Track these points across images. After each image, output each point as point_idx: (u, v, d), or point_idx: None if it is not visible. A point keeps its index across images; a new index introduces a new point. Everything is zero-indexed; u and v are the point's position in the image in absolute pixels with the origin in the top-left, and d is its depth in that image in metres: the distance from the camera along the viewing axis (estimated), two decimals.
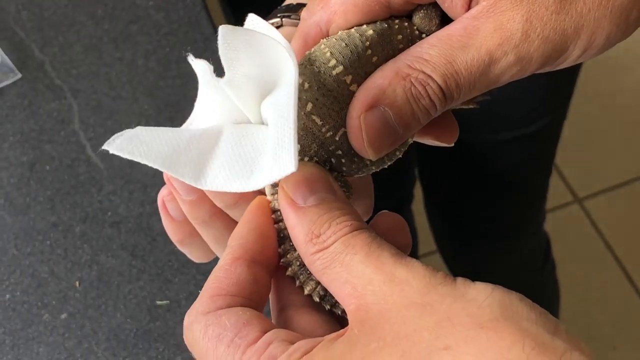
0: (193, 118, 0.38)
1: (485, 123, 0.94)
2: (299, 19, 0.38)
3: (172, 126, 0.34)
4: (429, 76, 0.32)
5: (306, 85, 0.33)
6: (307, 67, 0.34)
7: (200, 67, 0.35)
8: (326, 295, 0.33)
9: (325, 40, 0.35)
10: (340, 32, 0.35)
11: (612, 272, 1.61)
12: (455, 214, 1.17)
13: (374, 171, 0.36)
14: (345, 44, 0.34)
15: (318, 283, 0.33)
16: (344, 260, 0.29)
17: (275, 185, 0.34)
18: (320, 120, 0.33)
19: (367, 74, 0.34)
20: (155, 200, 0.71)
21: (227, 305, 0.31)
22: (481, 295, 0.27)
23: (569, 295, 1.41)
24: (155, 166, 0.32)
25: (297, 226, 0.31)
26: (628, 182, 1.72)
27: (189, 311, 0.31)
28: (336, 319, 0.33)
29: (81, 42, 0.82)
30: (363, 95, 0.33)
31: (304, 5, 0.46)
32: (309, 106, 0.33)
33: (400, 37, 0.35)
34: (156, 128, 0.33)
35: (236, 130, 0.34)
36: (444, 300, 0.27)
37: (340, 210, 0.31)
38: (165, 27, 0.83)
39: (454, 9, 0.34)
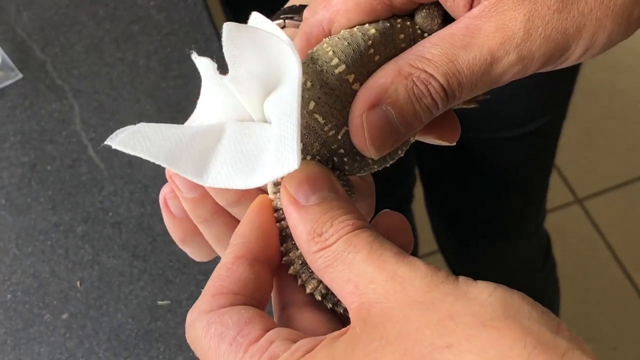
0: (196, 115, 0.38)
1: (484, 122, 0.94)
2: (302, 21, 0.38)
3: None
4: (431, 75, 0.32)
5: (309, 83, 0.33)
6: (310, 65, 0.34)
7: (203, 64, 0.35)
8: (328, 293, 0.33)
9: (327, 39, 0.35)
10: (342, 31, 0.35)
11: (613, 273, 1.61)
12: (455, 213, 1.17)
13: (376, 170, 0.36)
14: (348, 42, 0.34)
15: (320, 282, 0.33)
16: (345, 259, 0.29)
17: (277, 184, 0.34)
18: (323, 119, 0.33)
19: (370, 73, 0.34)
20: (156, 201, 0.72)
21: (229, 303, 0.31)
22: (483, 294, 0.27)
23: (569, 296, 1.41)
24: (157, 162, 0.32)
25: (299, 225, 0.31)
26: (628, 182, 1.72)
27: (191, 309, 0.31)
28: (338, 318, 0.33)
29: (82, 42, 0.82)
30: (365, 94, 0.33)
31: (306, 6, 0.46)
32: (312, 105, 0.33)
33: (402, 36, 0.35)
34: (159, 124, 0.33)
35: (239, 127, 0.34)
36: (446, 298, 0.27)
37: (342, 209, 0.31)
38: (167, 28, 0.83)
39: (456, 8, 0.34)
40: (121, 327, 0.66)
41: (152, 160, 0.32)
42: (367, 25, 0.35)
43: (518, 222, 1.13)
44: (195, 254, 0.43)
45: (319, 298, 0.33)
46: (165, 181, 0.40)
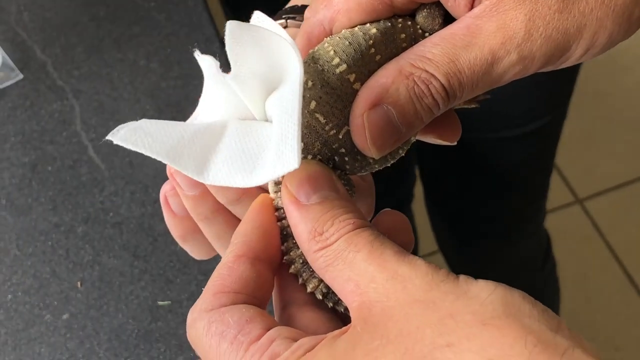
0: (198, 113, 0.38)
1: (485, 122, 0.94)
2: (303, 21, 0.38)
3: None
4: (432, 75, 0.32)
5: (310, 83, 0.33)
6: (311, 65, 0.34)
7: (206, 62, 0.35)
8: (329, 292, 0.33)
9: (328, 38, 0.35)
10: (343, 30, 0.35)
11: (613, 273, 1.61)
12: (456, 212, 1.17)
13: (376, 169, 0.36)
14: (349, 42, 0.34)
15: (321, 281, 0.33)
16: (346, 258, 0.30)
17: (278, 183, 0.34)
18: (324, 119, 0.33)
19: (371, 73, 0.34)
20: (157, 201, 0.72)
21: (230, 302, 0.31)
22: (483, 293, 0.27)
23: (570, 296, 1.42)
24: (158, 158, 0.32)
25: (300, 224, 0.31)
26: (629, 182, 1.72)
27: (192, 308, 0.31)
28: (339, 317, 0.34)
29: (83, 43, 0.82)
30: (366, 94, 0.33)
31: (308, 6, 0.46)
32: (313, 104, 0.33)
33: (403, 35, 0.35)
34: (161, 121, 0.33)
35: (240, 125, 0.34)
36: (447, 297, 0.27)
37: (343, 208, 0.31)
38: (167, 28, 0.83)
39: (457, 8, 0.34)
40: (122, 327, 0.66)
41: (153, 156, 0.32)
42: (368, 24, 0.35)
43: (519, 221, 1.13)
44: (195, 252, 0.43)
45: (320, 297, 0.33)
46: (166, 180, 0.40)
